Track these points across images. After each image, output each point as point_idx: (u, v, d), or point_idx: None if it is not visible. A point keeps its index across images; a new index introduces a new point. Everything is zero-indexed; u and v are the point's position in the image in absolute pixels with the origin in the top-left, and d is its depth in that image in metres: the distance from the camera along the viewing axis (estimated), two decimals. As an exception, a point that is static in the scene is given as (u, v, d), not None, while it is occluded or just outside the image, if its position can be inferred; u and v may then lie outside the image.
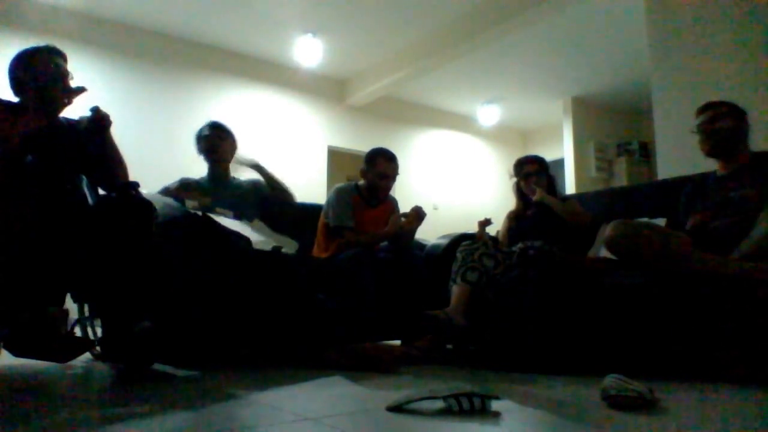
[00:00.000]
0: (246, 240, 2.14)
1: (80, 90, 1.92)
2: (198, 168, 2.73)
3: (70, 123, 1.98)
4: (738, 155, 2.11)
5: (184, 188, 2.50)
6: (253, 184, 2.73)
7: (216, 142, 2.65)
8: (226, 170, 2.70)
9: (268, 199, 2.71)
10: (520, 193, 2.76)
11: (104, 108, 1.98)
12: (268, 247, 2.21)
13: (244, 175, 2.76)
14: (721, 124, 2.10)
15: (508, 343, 2.04)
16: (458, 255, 2.33)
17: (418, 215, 2.63)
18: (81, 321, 2.07)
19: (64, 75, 1.93)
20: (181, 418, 1.21)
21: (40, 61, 1.90)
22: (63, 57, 1.96)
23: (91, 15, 5.08)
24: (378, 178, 2.70)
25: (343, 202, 2.65)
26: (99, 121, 1.94)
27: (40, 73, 1.89)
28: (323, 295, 2.14)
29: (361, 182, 2.79)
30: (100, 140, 1.97)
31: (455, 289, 2.25)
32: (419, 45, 5.65)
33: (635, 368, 1.61)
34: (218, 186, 2.61)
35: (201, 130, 2.69)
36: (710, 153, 2.16)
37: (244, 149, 2.84)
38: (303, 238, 2.56)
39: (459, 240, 2.62)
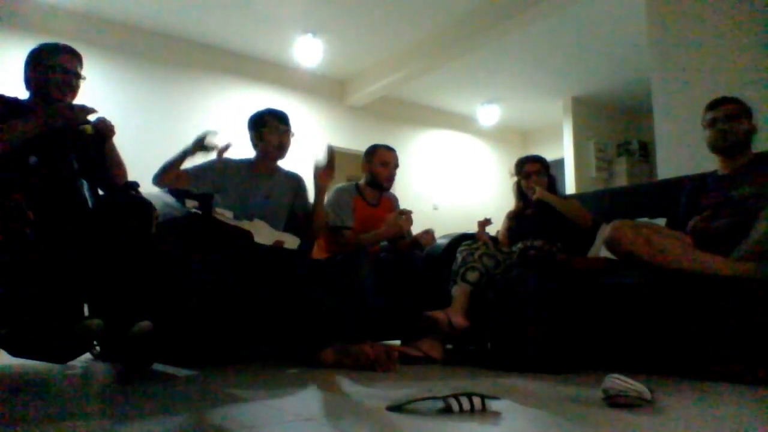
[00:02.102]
0: (247, 234, 2.14)
1: (90, 110, 1.87)
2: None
3: (69, 125, 1.98)
4: (741, 155, 2.11)
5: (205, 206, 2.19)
6: (293, 178, 2.58)
7: (288, 140, 2.47)
8: (273, 165, 2.54)
9: (301, 196, 2.57)
10: (520, 192, 2.76)
11: (104, 108, 1.98)
12: (269, 241, 2.21)
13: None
14: (739, 124, 2.08)
15: (508, 343, 2.04)
16: (458, 255, 2.33)
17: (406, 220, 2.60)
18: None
19: (72, 82, 1.91)
20: (181, 418, 1.21)
21: (50, 63, 1.89)
22: (78, 58, 1.95)
23: (91, 15, 5.08)
24: (379, 165, 2.72)
25: (343, 202, 2.66)
26: (104, 132, 1.94)
27: (46, 77, 1.88)
28: (323, 294, 2.14)
29: (362, 181, 2.80)
30: (101, 147, 1.97)
31: (455, 290, 2.25)
32: (419, 45, 5.65)
33: (635, 368, 1.61)
34: (257, 176, 2.46)
35: (268, 121, 2.44)
36: (723, 151, 2.12)
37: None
38: (302, 238, 2.55)
39: (459, 240, 2.62)
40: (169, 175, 2.28)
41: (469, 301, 2.22)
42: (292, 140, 2.51)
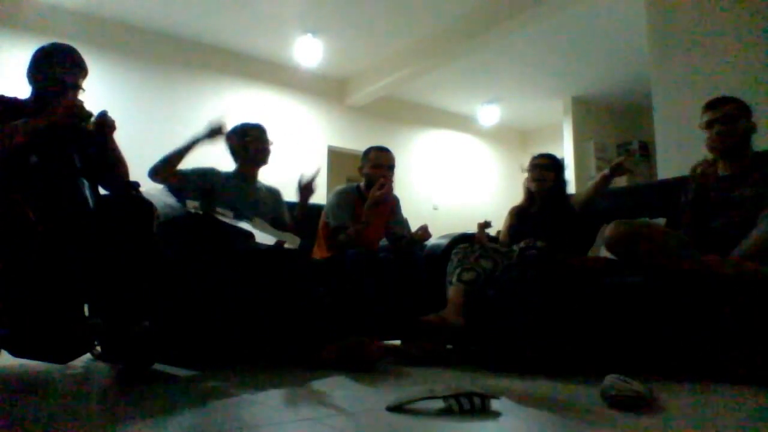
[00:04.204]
0: (248, 235, 2.14)
1: (89, 113, 1.85)
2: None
3: (73, 122, 1.98)
4: (741, 155, 2.10)
5: (207, 203, 2.28)
6: (273, 192, 2.66)
7: (267, 147, 2.57)
8: (257, 173, 2.63)
9: (281, 208, 2.64)
10: (528, 188, 2.76)
11: (103, 107, 1.97)
12: (270, 241, 2.21)
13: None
14: (735, 125, 2.04)
15: (508, 343, 2.04)
16: (453, 257, 2.32)
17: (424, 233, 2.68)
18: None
19: (68, 95, 1.90)
20: (181, 418, 1.21)
21: (52, 73, 1.88)
22: (83, 70, 1.94)
23: (91, 15, 5.08)
24: (372, 168, 2.72)
25: (343, 204, 2.67)
26: (105, 126, 1.93)
27: (45, 86, 1.88)
28: (323, 294, 2.14)
29: (362, 183, 2.80)
30: (102, 141, 1.96)
31: (451, 290, 2.25)
32: (419, 45, 5.65)
33: (635, 368, 1.61)
34: (245, 184, 2.53)
35: (245, 132, 2.55)
36: (722, 153, 2.08)
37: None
38: (303, 238, 2.56)
39: (459, 240, 2.62)
40: (169, 167, 2.31)
41: (465, 300, 2.22)
42: (272, 148, 2.60)
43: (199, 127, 2.36)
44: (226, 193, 2.42)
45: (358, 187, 2.80)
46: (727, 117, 2.06)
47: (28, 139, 1.73)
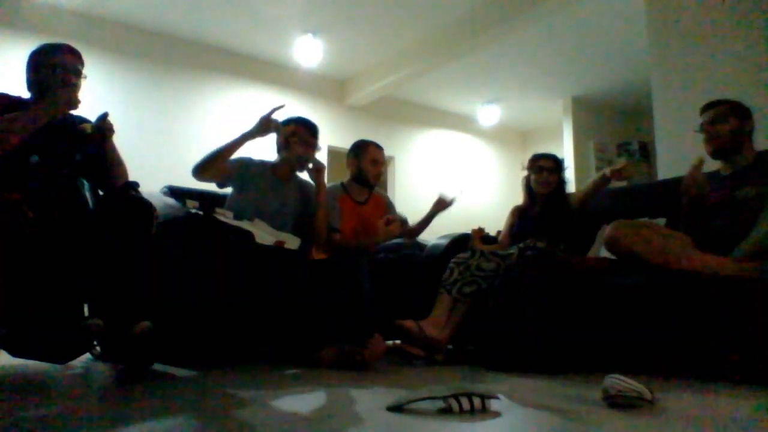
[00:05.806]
0: (248, 235, 2.14)
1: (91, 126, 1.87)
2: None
3: (73, 122, 1.98)
4: (741, 155, 2.10)
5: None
6: (305, 188, 2.59)
7: (312, 155, 2.48)
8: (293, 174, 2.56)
9: (310, 206, 2.58)
10: (529, 188, 2.76)
11: (103, 108, 1.97)
12: (270, 242, 2.21)
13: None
14: (723, 126, 2.08)
15: (508, 343, 2.04)
16: (454, 268, 2.30)
17: (441, 204, 2.72)
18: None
19: (73, 80, 1.90)
20: (181, 418, 1.21)
21: (51, 62, 1.88)
22: (78, 56, 1.94)
23: (92, 15, 5.08)
24: (370, 164, 2.71)
25: (329, 205, 2.63)
26: (104, 131, 1.92)
27: (47, 77, 1.88)
28: (323, 294, 2.14)
29: (347, 180, 2.78)
30: (101, 144, 1.96)
31: (440, 300, 2.24)
32: (419, 45, 5.65)
33: (635, 368, 1.61)
34: (277, 181, 2.48)
35: (298, 130, 2.45)
36: (713, 154, 2.14)
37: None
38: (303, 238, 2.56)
39: (459, 240, 2.62)
40: (218, 164, 2.28)
41: (449, 314, 2.22)
42: (317, 155, 2.52)
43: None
44: (255, 184, 2.40)
45: (342, 184, 2.77)
46: (714, 119, 2.10)
47: (31, 131, 1.72)
